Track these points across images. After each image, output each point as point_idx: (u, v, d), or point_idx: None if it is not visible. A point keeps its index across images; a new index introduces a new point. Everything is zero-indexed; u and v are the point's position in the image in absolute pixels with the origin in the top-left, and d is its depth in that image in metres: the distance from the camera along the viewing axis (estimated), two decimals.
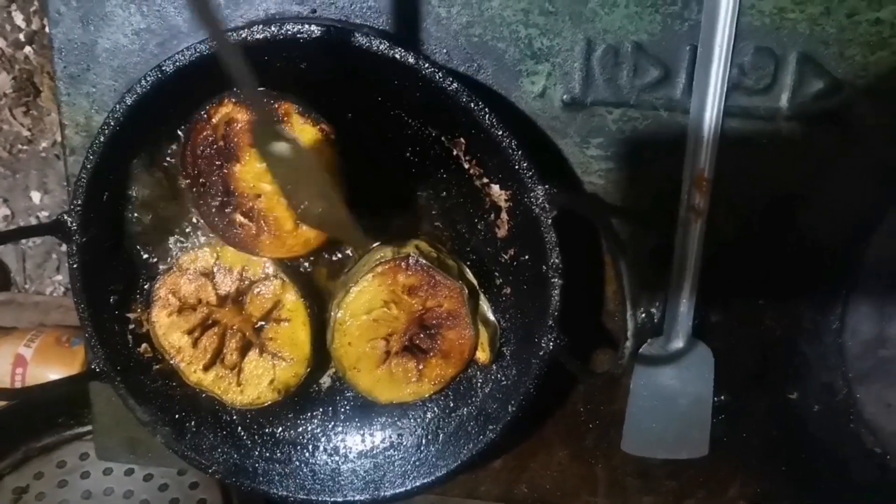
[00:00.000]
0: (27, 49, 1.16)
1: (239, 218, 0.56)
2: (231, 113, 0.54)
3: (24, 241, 1.26)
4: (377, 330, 0.59)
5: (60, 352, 1.10)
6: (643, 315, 0.66)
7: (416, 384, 0.60)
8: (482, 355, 0.60)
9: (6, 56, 1.16)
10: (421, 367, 0.60)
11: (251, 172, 0.55)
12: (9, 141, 1.20)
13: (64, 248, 1.25)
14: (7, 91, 1.17)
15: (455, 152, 0.57)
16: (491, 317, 0.61)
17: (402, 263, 0.57)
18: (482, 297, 0.61)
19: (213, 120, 0.54)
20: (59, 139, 1.18)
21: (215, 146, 0.55)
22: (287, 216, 0.56)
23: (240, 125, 0.54)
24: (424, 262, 0.57)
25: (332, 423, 0.66)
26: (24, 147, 1.21)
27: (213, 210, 0.56)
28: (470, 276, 0.61)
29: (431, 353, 0.60)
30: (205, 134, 0.55)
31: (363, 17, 0.58)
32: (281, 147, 0.45)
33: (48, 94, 1.17)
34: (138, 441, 0.75)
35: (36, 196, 1.24)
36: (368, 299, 0.58)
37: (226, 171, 0.55)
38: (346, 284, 0.59)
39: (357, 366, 0.60)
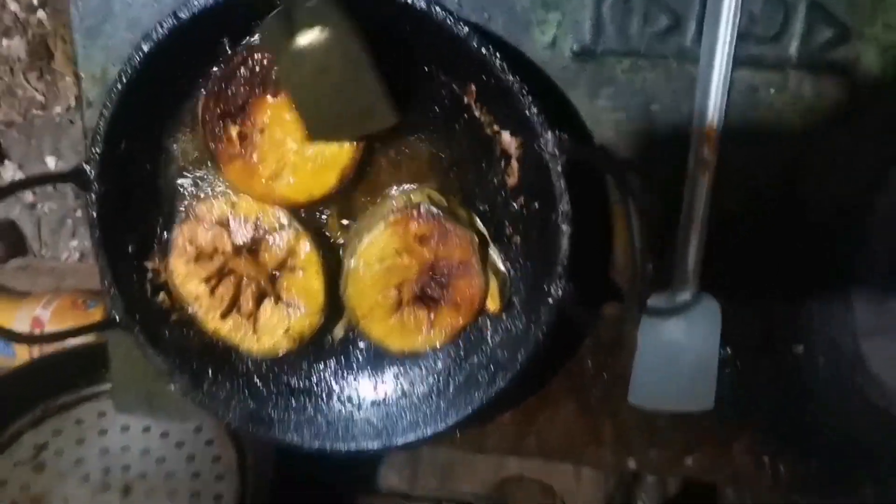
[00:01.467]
0: (40, 13, 1.16)
1: (232, 132, 0.57)
2: None
3: (39, 206, 1.28)
4: (389, 279, 0.60)
5: (77, 314, 1.12)
6: (650, 268, 0.66)
7: (428, 333, 0.61)
8: (492, 304, 0.61)
9: (20, 20, 1.17)
10: (432, 316, 0.61)
11: (278, 114, 0.56)
12: (23, 106, 1.22)
13: (79, 213, 1.27)
14: (21, 55, 1.18)
15: (466, 100, 0.58)
16: (501, 266, 0.62)
17: (414, 212, 0.58)
18: (492, 246, 0.62)
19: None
20: (72, 104, 1.19)
21: (264, 71, 0.56)
22: (270, 168, 0.58)
23: None
24: (436, 210, 0.58)
25: (346, 372, 0.67)
26: (39, 112, 1.22)
27: (216, 114, 0.57)
28: (480, 225, 0.61)
29: (442, 303, 0.60)
30: (261, 56, 0.55)
31: None
32: (313, 35, 0.45)
33: (62, 58, 1.18)
34: (155, 395, 0.77)
35: (51, 161, 1.25)
36: (381, 248, 0.59)
37: (256, 91, 0.56)
38: (359, 233, 0.60)
39: (370, 314, 0.61)
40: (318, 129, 0.54)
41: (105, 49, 0.62)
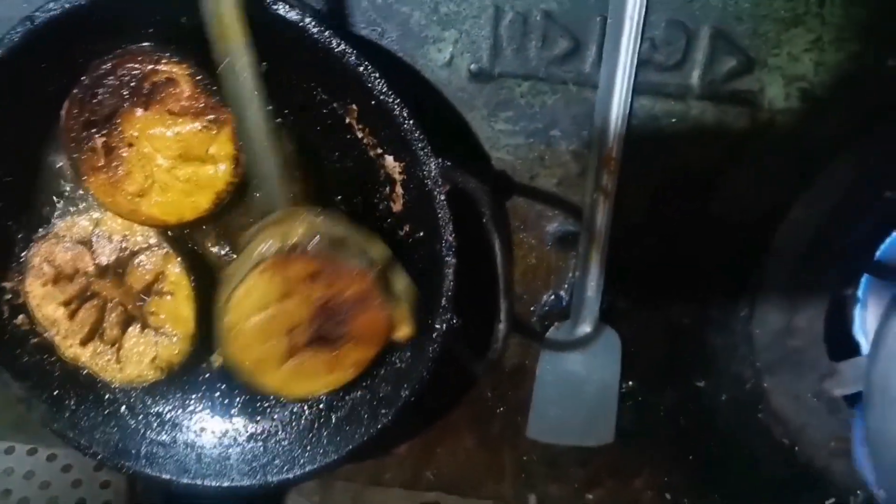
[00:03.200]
0: None
1: (98, 144, 0.52)
2: (172, 73, 0.51)
3: None
4: (276, 326, 0.52)
5: None
6: (552, 297, 0.64)
7: (333, 374, 0.54)
8: (404, 329, 0.53)
9: None
10: (335, 354, 0.53)
11: (147, 128, 0.52)
12: None
13: None
14: None
15: (348, 120, 0.54)
16: (408, 282, 0.53)
17: (292, 252, 0.50)
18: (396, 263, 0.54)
19: (149, 66, 0.51)
20: None
21: (135, 82, 0.52)
22: (137, 184, 0.53)
23: (177, 90, 0.52)
24: (317, 247, 0.50)
25: (223, 403, 0.63)
26: None
27: (80, 121, 0.52)
28: (379, 243, 0.53)
29: (345, 340, 0.53)
30: (132, 66, 0.51)
31: None
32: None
33: None
34: (26, 419, 0.71)
35: None
36: (259, 297, 0.51)
37: (125, 105, 0.52)
38: (229, 281, 0.52)
39: (258, 368, 0.53)
40: None
41: None
